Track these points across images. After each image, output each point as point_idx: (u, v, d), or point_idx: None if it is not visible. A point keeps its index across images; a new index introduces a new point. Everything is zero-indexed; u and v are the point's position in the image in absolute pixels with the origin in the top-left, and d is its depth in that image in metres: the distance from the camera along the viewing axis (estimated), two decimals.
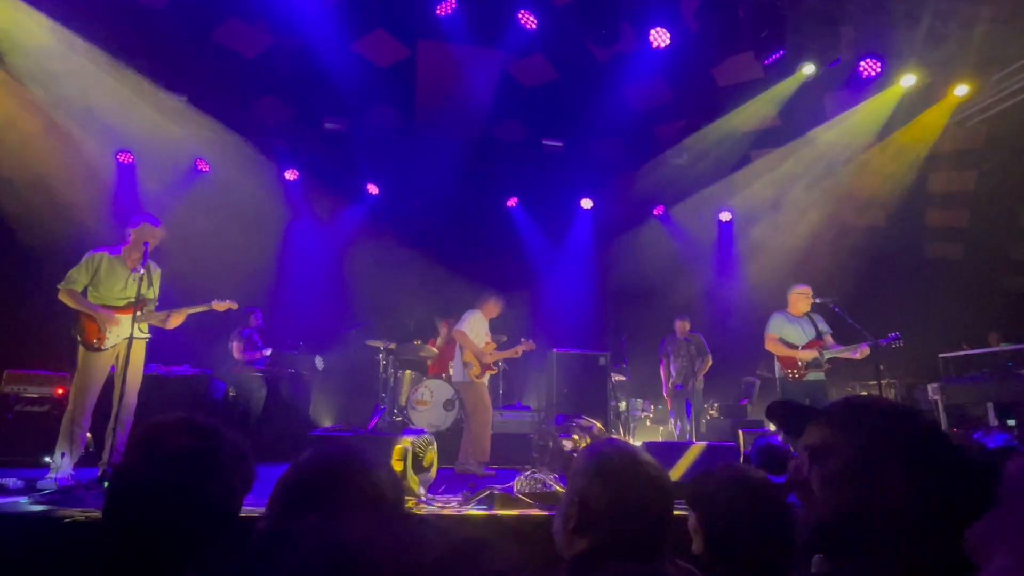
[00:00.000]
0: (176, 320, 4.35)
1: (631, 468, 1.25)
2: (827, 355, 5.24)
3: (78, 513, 2.75)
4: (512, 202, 9.69)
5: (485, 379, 5.53)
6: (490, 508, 3.28)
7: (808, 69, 6.87)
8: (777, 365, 5.45)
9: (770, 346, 5.42)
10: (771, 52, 6.52)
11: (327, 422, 7.58)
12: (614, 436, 6.41)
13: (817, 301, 5.41)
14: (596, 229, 9.94)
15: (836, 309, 5.36)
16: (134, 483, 1.06)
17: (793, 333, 5.33)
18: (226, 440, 1.14)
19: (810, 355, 5.22)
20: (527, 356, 6.05)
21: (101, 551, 1.02)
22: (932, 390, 7.04)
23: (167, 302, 4.43)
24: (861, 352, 5.05)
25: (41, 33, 6.17)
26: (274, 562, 0.41)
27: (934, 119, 7.64)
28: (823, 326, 5.37)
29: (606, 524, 1.20)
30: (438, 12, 6.43)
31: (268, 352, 6.97)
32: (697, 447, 3.97)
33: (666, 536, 1.23)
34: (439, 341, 7.26)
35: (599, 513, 1.21)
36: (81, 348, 4.05)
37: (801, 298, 5.38)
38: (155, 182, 7.91)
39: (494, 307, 5.67)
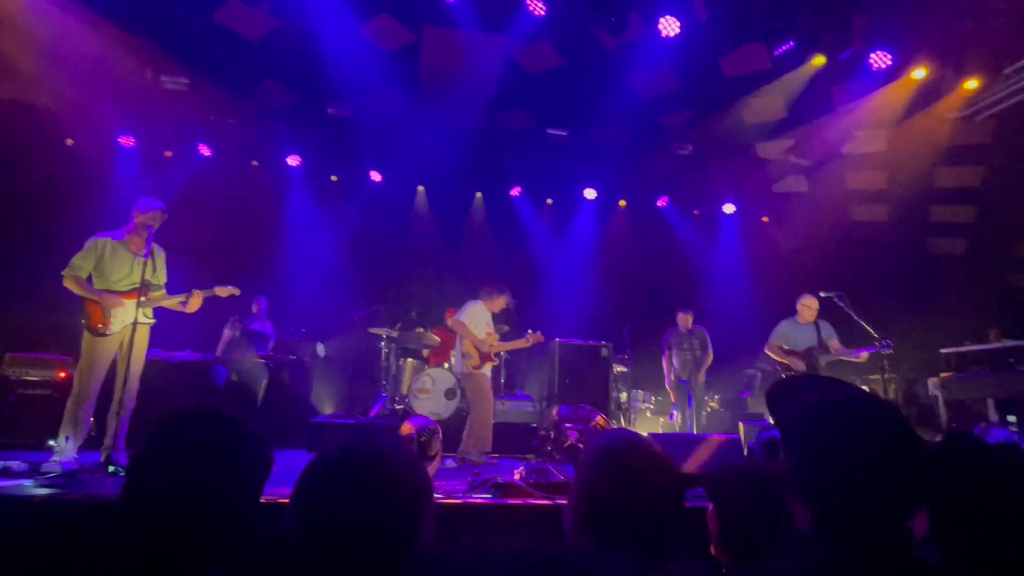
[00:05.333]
0: (195, 303, 4.33)
1: (639, 460, 1.23)
2: (825, 360, 5.63)
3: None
4: (515, 191, 9.64)
5: (486, 370, 5.48)
6: (494, 497, 3.29)
7: (818, 60, 6.80)
8: (778, 365, 5.87)
9: (767, 349, 5.87)
10: (781, 43, 6.46)
11: (328, 409, 7.58)
12: (618, 427, 6.42)
13: (822, 295, 5.59)
14: (599, 219, 9.92)
15: (840, 303, 5.41)
16: (155, 472, 1.05)
17: (795, 339, 5.74)
18: (246, 427, 1.14)
19: (799, 364, 5.59)
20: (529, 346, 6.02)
21: (120, 538, 1.01)
22: (932, 385, 7.08)
23: (173, 287, 4.40)
24: (859, 356, 5.46)
25: (40, 11, 6.09)
26: None
27: (942, 113, 7.58)
28: (827, 333, 5.71)
29: (614, 516, 1.18)
30: None
31: (251, 354, 6.86)
32: (713, 441, 4.00)
33: (676, 529, 1.22)
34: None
35: (606, 506, 1.19)
36: (86, 333, 4.03)
37: (806, 309, 5.75)
38: (156, 166, 7.86)
39: (498, 299, 5.55)
